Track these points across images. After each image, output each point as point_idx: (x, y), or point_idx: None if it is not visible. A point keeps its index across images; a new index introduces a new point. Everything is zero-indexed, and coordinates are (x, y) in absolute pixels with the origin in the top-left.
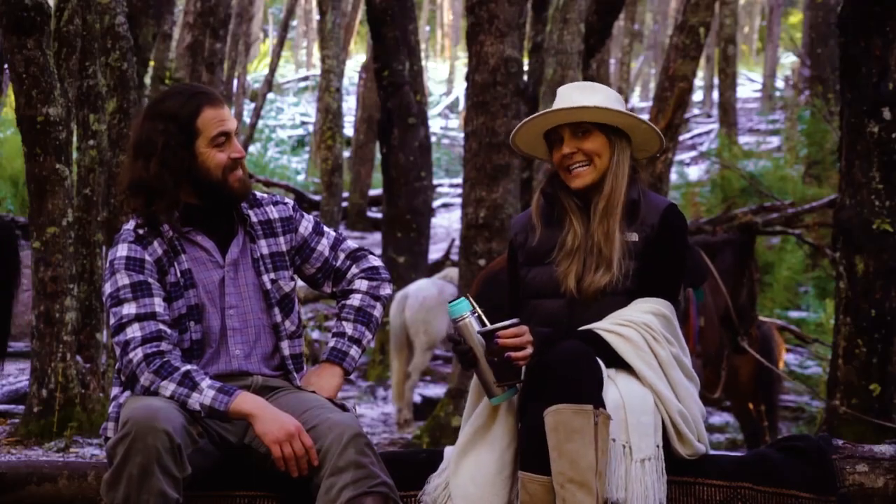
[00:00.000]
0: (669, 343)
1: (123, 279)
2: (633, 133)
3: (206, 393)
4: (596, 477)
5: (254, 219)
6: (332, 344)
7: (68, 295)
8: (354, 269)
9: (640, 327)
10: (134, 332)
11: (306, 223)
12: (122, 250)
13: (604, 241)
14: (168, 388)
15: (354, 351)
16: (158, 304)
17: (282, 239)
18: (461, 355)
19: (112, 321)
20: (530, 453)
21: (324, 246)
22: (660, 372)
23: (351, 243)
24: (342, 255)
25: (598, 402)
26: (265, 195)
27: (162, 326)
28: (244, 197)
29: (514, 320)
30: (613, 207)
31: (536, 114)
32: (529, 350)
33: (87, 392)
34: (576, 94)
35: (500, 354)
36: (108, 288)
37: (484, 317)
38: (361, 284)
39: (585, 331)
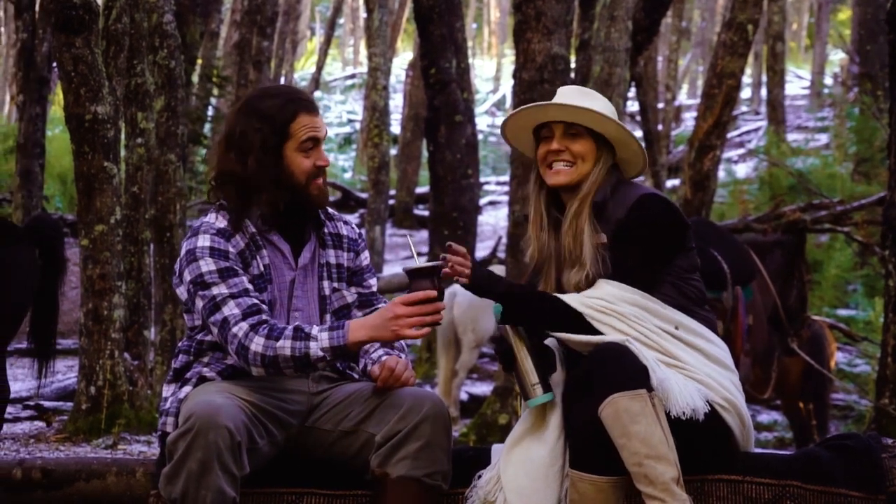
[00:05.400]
0: (674, 337)
1: (208, 265)
2: (620, 148)
3: (321, 338)
4: (670, 449)
5: (326, 230)
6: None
7: (116, 292)
8: None
9: (627, 318)
10: (231, 309)
11: (367, 254)
12: (203, 241)
13: (573, 242)
14: (286, 345)
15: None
16: (248, 284)
17: (344, 255)
18: (501, 355)
19: (202, 303)
20: (580, 452)
21: (373, 283)
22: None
23: None
24: (380, 300)
25: (650, 387)
26: (337, 213)
27: (257, 301)
28: (321, 206)
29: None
30: (583, 209)
31: (536, 104)
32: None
33: (135, 389)
34: (576, 97)
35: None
36: (188, 275)
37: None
38: None
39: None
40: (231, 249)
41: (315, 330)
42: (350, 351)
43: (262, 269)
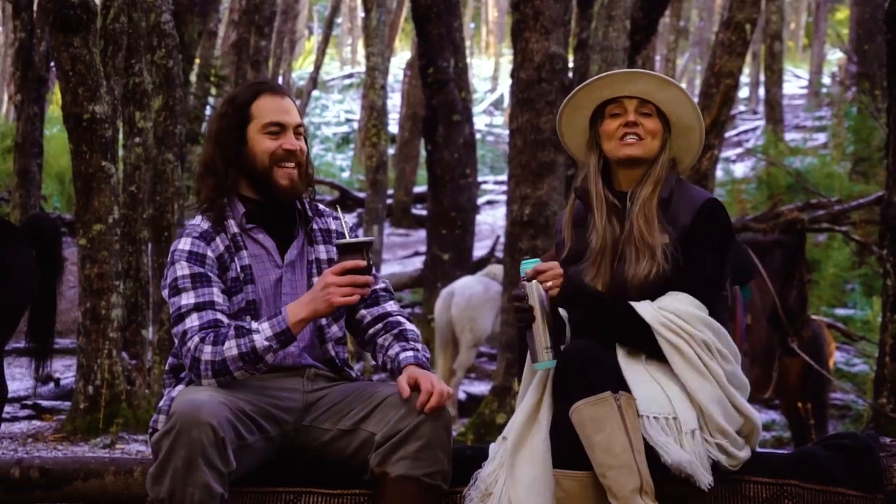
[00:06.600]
0: (725, 359)
1: (183, 269)
2: (679, 138)
3: (262, 328)
4: (634, 455)
5: (314, 225)
6: (409, 353)
7: (114, 292)
8: (393, 306)
9: (696, 344)
10: (192, 321)
11: None
12: (184, 244)
13: (645, 226)
14: (231, 347)
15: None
16: (217, 295)
17: (335, 250)
18: (520, 313)
19: (171, 311)
20: (559, 450)
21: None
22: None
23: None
24: (385, 288)
25: (614, 388)
26: (327, 209)
27: (219, 315)
28: (292, 195)
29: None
30: (655, 193)
31: (624, 70)
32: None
33: (133, 388)
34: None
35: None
36: (167, 277)
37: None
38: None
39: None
40: (210, 254)
41: (254, 324)
42: (294, 334)
43: (239, 270)
